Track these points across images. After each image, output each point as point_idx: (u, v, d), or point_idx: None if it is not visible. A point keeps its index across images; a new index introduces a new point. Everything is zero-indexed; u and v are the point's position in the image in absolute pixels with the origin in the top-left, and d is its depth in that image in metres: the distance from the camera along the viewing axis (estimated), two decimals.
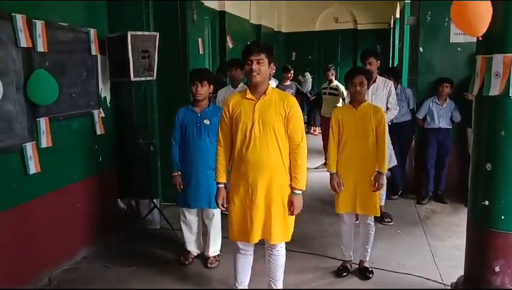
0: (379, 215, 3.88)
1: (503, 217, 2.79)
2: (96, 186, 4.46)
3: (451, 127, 5.64)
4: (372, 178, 3.52)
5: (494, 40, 2.73)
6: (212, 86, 3.81)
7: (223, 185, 3.03)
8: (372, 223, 3.73)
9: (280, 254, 3.09)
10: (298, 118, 2.90)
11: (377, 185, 3.50)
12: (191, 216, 3.98)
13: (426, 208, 5.56)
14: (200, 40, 6.92)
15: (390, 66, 11.51)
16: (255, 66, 2.78)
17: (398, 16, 10.06)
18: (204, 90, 3.71)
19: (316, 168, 7.55)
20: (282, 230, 2.96)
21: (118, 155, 4.78)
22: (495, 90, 2.71)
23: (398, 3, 9.82)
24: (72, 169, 4.13)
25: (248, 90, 2.93)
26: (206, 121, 3.74)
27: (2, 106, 3.21)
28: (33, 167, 3.54)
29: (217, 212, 3.87)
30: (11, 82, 3.32)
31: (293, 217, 3.00)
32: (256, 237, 2.94)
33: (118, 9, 4.66)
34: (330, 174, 3.61)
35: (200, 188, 3.78)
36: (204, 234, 4.07)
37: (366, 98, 3.68)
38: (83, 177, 4.27)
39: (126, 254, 4.26)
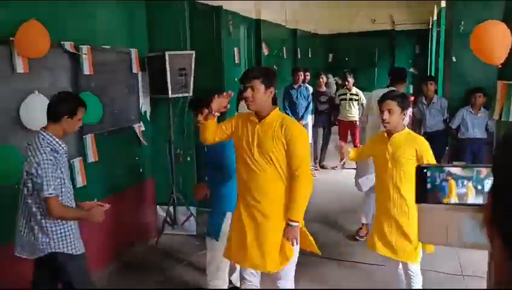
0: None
1: None
2: (138, 195, 4.78)
3: (486, 137, 5.58)
4: None
5: None
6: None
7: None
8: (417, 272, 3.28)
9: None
10: (297, 144, 2.72)
11: None
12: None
13: None
14: (236, 49, 7.12)
15: (428, 72, 11.36)
16: (247, 94, 2.72)
17: (435, 18, 9.91)
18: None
19: (333, 168, 7.92)
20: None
21: (156, 165, 5.08)
22: None
23: (435, 5, 9.67)
24: (116, 179, 4.45)
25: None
26: None
27: None
28: (80, 181, 3.86)
29: None
30: None
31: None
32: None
33: (158, 28, 4.92)
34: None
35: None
36: None
37: (403, 127, 3.10)
38: (126, 186, 4.59)
39: (163, 258, 4.56)
